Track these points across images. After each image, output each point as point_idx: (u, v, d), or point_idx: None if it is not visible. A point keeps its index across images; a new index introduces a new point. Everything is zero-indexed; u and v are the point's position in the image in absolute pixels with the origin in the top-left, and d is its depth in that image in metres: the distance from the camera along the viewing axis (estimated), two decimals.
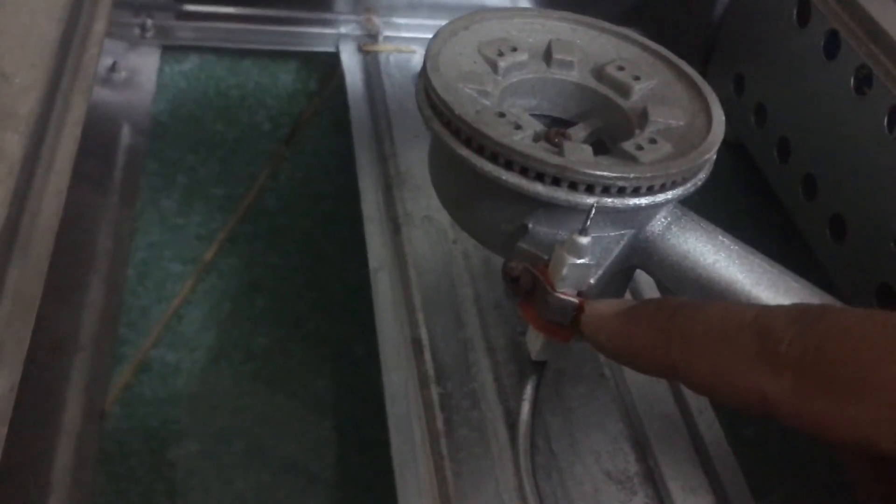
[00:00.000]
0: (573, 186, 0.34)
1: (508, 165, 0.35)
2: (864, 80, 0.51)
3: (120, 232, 0.43)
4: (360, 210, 0.53)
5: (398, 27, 0.63)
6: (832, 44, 0.53)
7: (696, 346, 0.26)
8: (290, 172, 0.64)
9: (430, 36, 0.63)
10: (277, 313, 0.58)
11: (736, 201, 0.64)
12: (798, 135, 0.57)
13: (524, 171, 0.35)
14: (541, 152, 0.34)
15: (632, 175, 0.34)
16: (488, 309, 0.45)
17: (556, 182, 0.34)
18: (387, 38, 0.62)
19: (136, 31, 0.58)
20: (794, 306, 0.25)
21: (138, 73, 0.55)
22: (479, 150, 0.35)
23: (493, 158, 0.35)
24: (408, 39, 0.62)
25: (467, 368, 0.42)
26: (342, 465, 0.53)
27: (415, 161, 0.52)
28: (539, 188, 0.34)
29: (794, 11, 0.56)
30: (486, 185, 0.36)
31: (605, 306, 0.33)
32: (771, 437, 0.52)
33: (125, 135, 0.50)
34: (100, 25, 0.38)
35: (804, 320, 0.24)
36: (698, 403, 0.42)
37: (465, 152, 0.36)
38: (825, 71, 0.53)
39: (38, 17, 0.35)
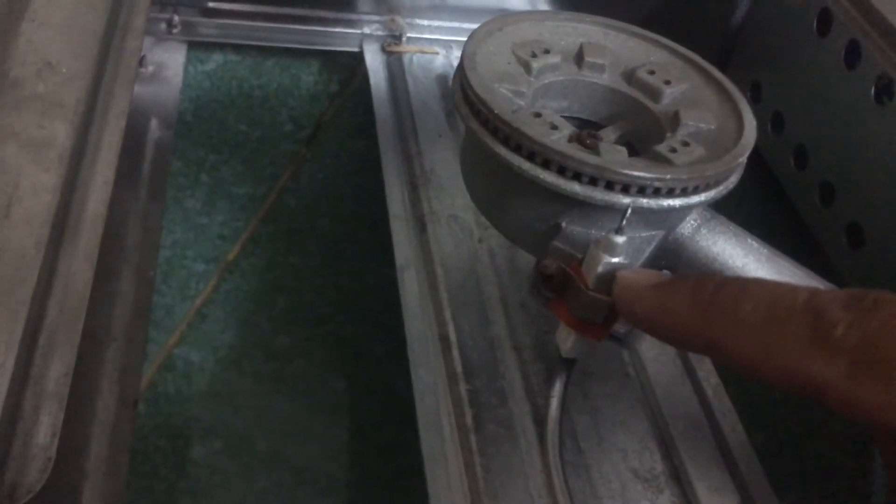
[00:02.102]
0: (609, 186, 0.35)
1: (546, 165, 0.35)
2: (885, 89, 0.51)
3: (149, 224, 0.44)
4: (381, 211, 0.54)
5: (421, 28, 0.63)
6: (853, 53, 0.54)
7: (742, 325, 0.26)
8: (311, 173, 0.65)
9: (453, 38, 0.64)
10: (298, 313, 0.59)
11: (751, 208, 0.65)
12: (816, 143, 0.58)
13: (561, 171, 0.35)
14: (579, 152, 0.35)
15: (668, 176, 0.34)
16: (514, 308, 0.45)
17: (592, 182, 0.35)
18: (410, 40, 0.62)
19: (163, 26, 0.58)
20: (847, 292, 0.25)
21: (165, 68, 0.56)
22: (517, 149, 0.36)
23: (531, 157, 0.35)
24: (431, 41, 0.63)
25: (495, 366, 0.42)
26: (361, 467, 0.53)
27: (439, 160, 0.53)
28: (576, 187, 0.35)
29: (815, 21, 0.57)
30: (522, 183, 0.36)
31: (640, 277, 0.32)
32: (785, 445, 0.53)
33: (153, 129, 0.50)
34: (140, 19, 0.39)
35: (860, 306, 0.24)
36: (721, 406, 0.43)
37: (502, 151, 0.36)
38: (845, 80, 0.54)
39: (81, 8, 0.36)
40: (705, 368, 0.44)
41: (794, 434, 0.56)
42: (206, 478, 0.52)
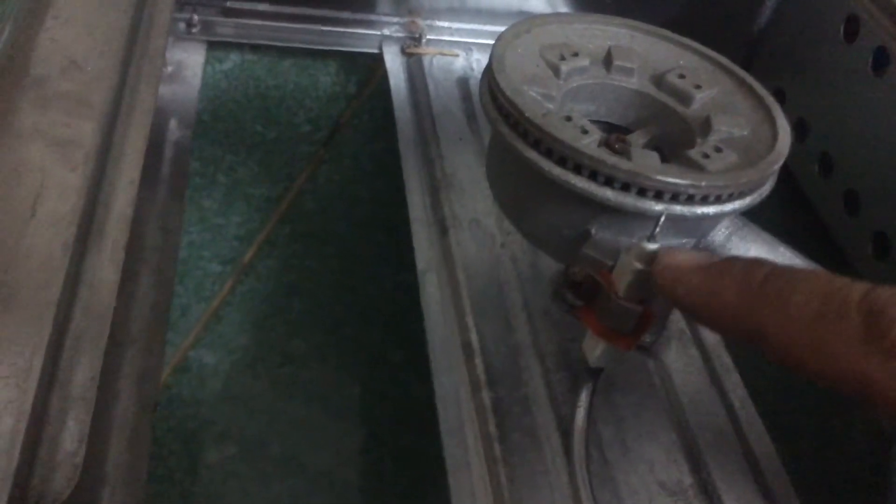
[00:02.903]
0: (642, 193, 0.34)
1: (577, 169, 0.34)
2: None
3: (168, 225, 0.43)
4: (398, 214, 0.53)
5: (441, 30, 0.62)
6: (881, 60, 0.53)
7: (792, 318, 0.25)
8: (328, 175, 0.64)
9: (473, 40, 0.64)
10: (314, 317, 0.58)
11: (773, 217, 0.64)
12: (841, 150, 0.57)
13: (593, 176, 0.34)
14: (612, 157, 0.34)
15: (703, 183, 0.34)
16: (537, 314, 0.45)
17: (625, 188, 0.34)
18: (430, 41, 0.62)
19: (183, 26, 0.57)
20: None
21: (184, 67, 0.55)
22: (547, 154, 0.35)
23: (562, 162, 0.35)
24: (451, 43, 0.62)
25: (518, 374, 0.41)
26: (377, 473, 0.53)
27: (460, 164, 0.52)
28: (608, 193, 0.34)
29: (842, 27, 0.56)
30: (552, 188, 0.36)
31: (685, 257, 0.31)
32: (803, 455, 0.52)
33: (172, 129, 0.49)
34: (163, 16, 0.38)
35: None
36: (748, 417, 0.42)
37: (532, 155, 0.35)
38: (872, 87, 0.53)
39: (105, 5, 0.35)
40: (732, 380, 0.43)
41: (812, 445, 0.55)
42: (220, 482, 0.51)
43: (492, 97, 0.38)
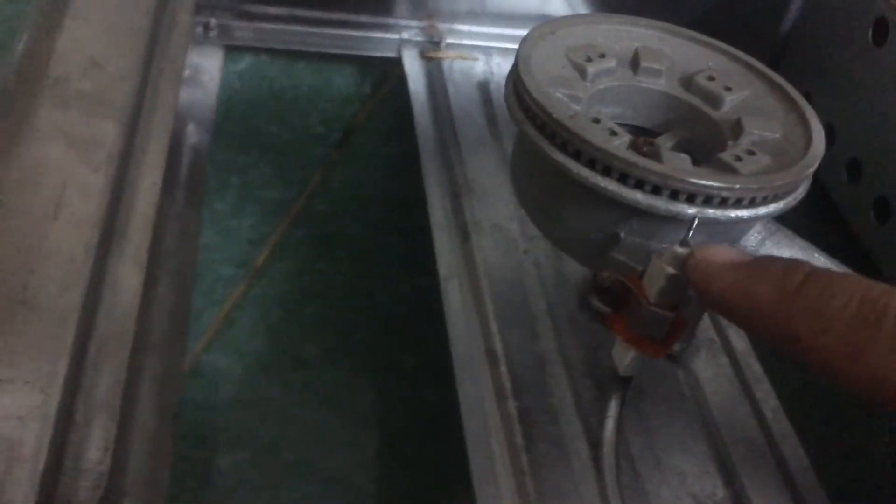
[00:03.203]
0: (674, 195, 0.33)
1: (607, 172, 0.34)
2: None
3: (187, 230, 0.43)
4: (412, 218, 0.52)
5: (460, 34, 0.62)
6: None
7: (829, 322, 0.25)
8: (342, 177, 0.63)
9: (493, 44, 0.63)
10: (327, 321, 0.57)
11: (800, 224, 0.63)
12: (871, 156, 0.56)
13: (623, 179, 0.33)
14: (643, 159, 0.33)
15: (737, 186, 0.33)
16: (563, 321, 0.44)
17: (656, 191, 0.33)
18: (449, 45, 0.61)
19: (200, 30, 0.57)
20: None
21: (202, 71, 0.55)
22: (576, 155, 0.34)
23: (591, 164, 0.34)
24: (470, 47, 0.62)
25: (544, 382, 0.41)
26: (389, 481, 0.52)
27: (482, 169, 0.51)
28: (638, 196, 0.33)
29: (870, 30, 0.55)
30: (580, 191, 0.35)
31: (720, 253, 0.30)
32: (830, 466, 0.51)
33: (190, 133, 0.49)
34: (185, 16, 0.37)
35: None
36: (781, 429, 0.41)
37: (560, 157, 0.34)
38: None
39: (126, 6, 0.35)
40: (763, 389, 0.42)
41: (838, 454, 0.54)
42: (232, 488, 0.50)
43: (517, 99, 0.37)
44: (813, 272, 0.26)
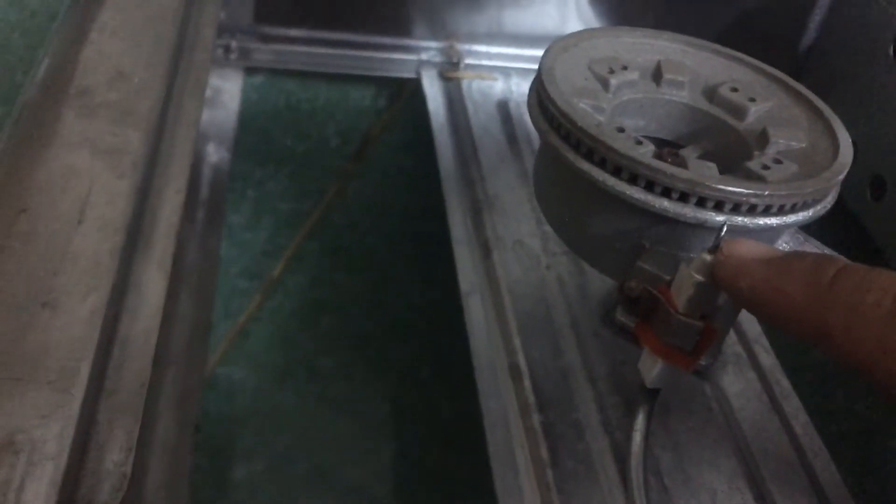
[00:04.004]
0: (701, 203, 0.33)
1: (633, 180, 0.33)
2: None
3: (207, 246, 0.42)
4: (426, 230, 0.51)
5: (479, 55, 0.62)
6: None
7: (864, 318, 0.24)
8: (358, 189, 0.63)
9: (511, 65, 0.63)
10: (342, 333, 0.57)
11: (824, 242, 0.62)
12: (894, 172, 0.55)
13: (650, 186, 0.33)
14: (670, 166, 0.33)
15: (767, 192, 0.32)
16: (587, 336, 0.43)
17: (683, 198, 0.33)
18: (467, 66, 0.61)
19: (221, 52, 0.58)
20: None
21: (222, 92, 0.55)
22: (601, 164, 0.34)
23: (617, 172, 0.34)
24: (489, 68, 0.62)
25: (569, 397, 0.40)
26: (405, 491, 0.51)
27: (503, 186, 0.51)
28: (665, 204, 0.33)
29: (891, 45, 0.55)
30: (606, 200, 0.34)
31: (749, 248, 0.30)
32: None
33: (210, 152, 0.49)
34: (209, 32, 0.38)
35: None
36: (812, 444, 0.40)
37: (585, 166, 0.34)
38: None
39: (151, 19, 0.35)
40: (792, 405, 0.41)
41: (864, 472, 0.53)
42: (247, 499, 0.50)
43: (541, 108, 0.37)
44: (846, 267, 0.26)
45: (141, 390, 0.24)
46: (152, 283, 0.27)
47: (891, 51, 0.55)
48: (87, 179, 0.28)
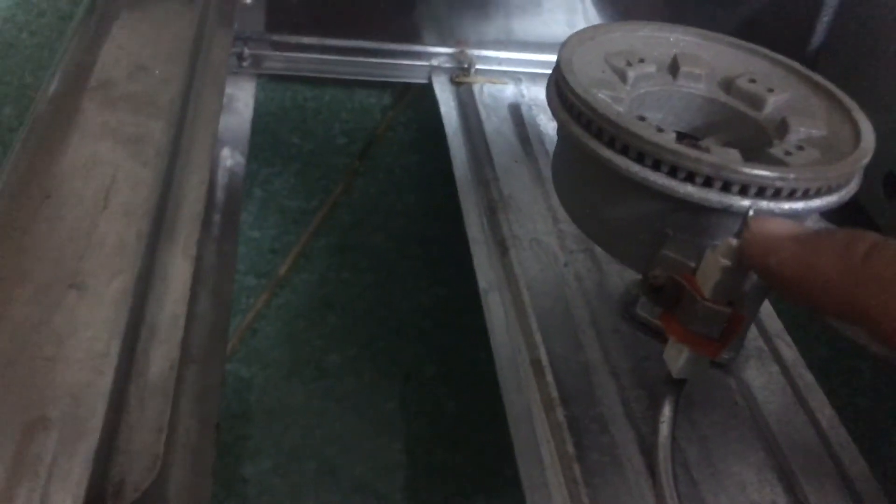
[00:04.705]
0: (726, 187, 0.32)
1: (656, 166, 0.33)
2: None
3: (224, 249, 0.42)
4: (433, 228, 0.51)
5: (489, 60, 0.62)
6: None
7: None
8: (364, 187, 0.64)
9: (522, 70, 0.63)
10: (349, 331, 0.57)
11: None
12: None
13: (673, 172, 0.33)
14: (694, 150, 0.33)
15: (792, 175, 0.32)
16: (607, 332, 0.43)
17: (707, 183, 0.33)
18: (478, 71, 0.61)
19: (234, 59, 0.58)
20: None
21: (236, 99, 0.55)
22: (624, 151, 0.34)
23: (640, 159, 0.33)
24: (499, 73, 0.62)
25: (591, 391, 0.39)
26: (412, 489, 0.51)
27: (517, 186, 0.51)
28: (690, 189, 0.33)
29: None
30: (628, 188, 0.34)
31: (778, 225, 0.29)
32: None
33: (225, 156, 0.49)
34: (226, 30, 0.38)
35: None
36: (839, 437, 0.39)
37: (608, 153, 0.34)
38: None
39: (171, 18, 0.35)
40: (817, 399, 0.41)
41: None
42: (254, 497, 0.50)
43: (560, 99, 0.37)
44: (879, 242, 0.25)
45: (171, 372, 0.23)
46: (178, 270, 0.27)
47: None
48: (111, 167, 0.27)
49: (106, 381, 0.22)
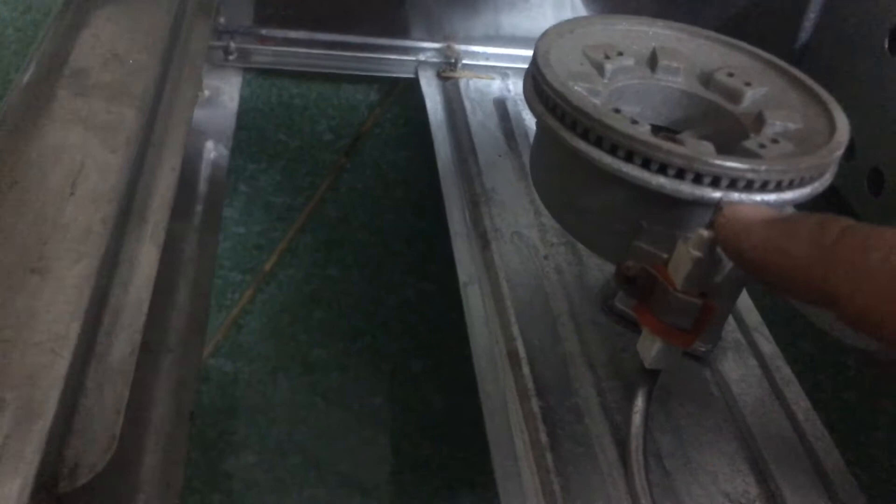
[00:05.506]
0: (698, 179, 0.33)
1: (629, 157, 0.33)
2: None
3: (205, 240, 0.42)
4: (419, 223, 0.51)
5: (476, 56, 0.62)
6: None
7: (869, 277, 0.23)
8: (350, 184, 0.64)
9: (508, 65, 0.63)
10: (335, 326, 0.57)
11: None
12: (892, 166, 0.55)
13: (646, 164, 0.33)
14: (666, 143, 0.33)
15: (763, 168, 0.32)
16: (585, 324, 0.43)
17: (679, 175, 0.33)
18: (465, 66, 0.61)
19: (220, 53, 0.58)
20: None
21: (221, 93, 0.55)
22: (598, 143, 0.34)
23: (613, 150, 0.33)
24: (486, 68, 0.62)
25: (568, 382, 0.39)
26: (397, 483, 0.51)
27: (500, 179, 0.51)
28: (662, 180, 0.33)
29: (886, 39, 0.55)
30: (603, 180, 0.34)
31: (750, 210, 0.29)
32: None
33: (209, 148, 0.49)
34: (206, 20, 0.38)
35: None
36: (814, 430, 0.39)
37: (582, 145, 0.34)
38: None
39: (148, 7, 0.35)
40: (793, 391, 0.41)
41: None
42: (239, 492, 0.50)
43: (537, 92, 0.37)
44: (850, 226, 0.25)
45: (131, 357, 0.24)
46: (145, 256, 0.27)
47: (886, 44, 0.55)
48: (80, 154, 0.28)
49: (63, 364, 0.22)
